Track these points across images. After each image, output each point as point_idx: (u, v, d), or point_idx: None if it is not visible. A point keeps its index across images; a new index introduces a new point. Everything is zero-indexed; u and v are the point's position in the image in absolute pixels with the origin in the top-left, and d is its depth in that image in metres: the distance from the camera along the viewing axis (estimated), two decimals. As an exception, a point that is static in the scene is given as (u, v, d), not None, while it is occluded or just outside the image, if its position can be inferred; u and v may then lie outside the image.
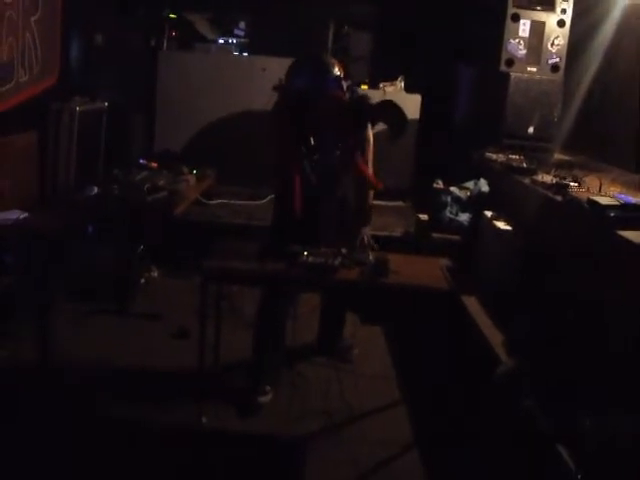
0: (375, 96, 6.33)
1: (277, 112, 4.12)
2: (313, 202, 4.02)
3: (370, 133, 4.25)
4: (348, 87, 4.07)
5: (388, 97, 5.73)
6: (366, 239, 4.16)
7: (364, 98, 4.10)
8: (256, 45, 7.52)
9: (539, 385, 3.27)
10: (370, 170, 4.25)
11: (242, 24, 8.08)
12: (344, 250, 3.79)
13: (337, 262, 3.63)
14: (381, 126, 4.14)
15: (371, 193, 4.27)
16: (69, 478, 3.23)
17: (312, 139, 3.98)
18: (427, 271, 3.88)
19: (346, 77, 4.10)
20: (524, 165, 5.02)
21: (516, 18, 5.76)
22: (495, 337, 3.82)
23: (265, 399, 4.00)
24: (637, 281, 3.04)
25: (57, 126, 5.00)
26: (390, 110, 4.01)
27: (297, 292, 4.40)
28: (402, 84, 7.02)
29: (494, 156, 5.50)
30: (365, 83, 7.09)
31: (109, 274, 5.01)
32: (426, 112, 6.87)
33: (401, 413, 4.06)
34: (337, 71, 4.03)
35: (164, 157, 6.25)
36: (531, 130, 5.75)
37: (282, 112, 4.08)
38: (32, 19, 4.67)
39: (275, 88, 4.30)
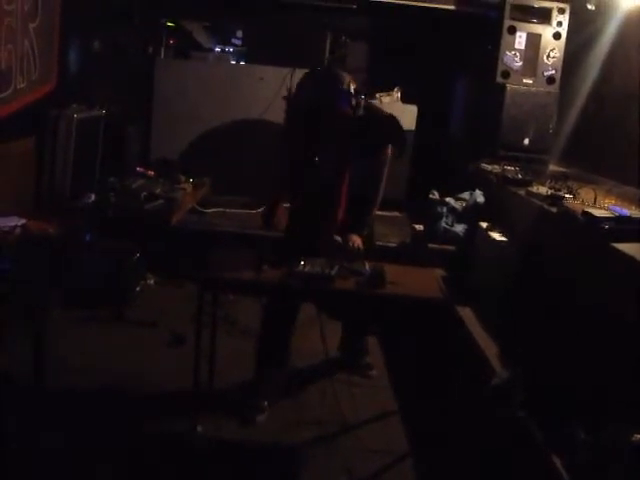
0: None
1: (288, 125, 4.14)
2: (315, 213, 4.06)
3: (387, 155, 4.21)
4: (358, 103, 3.96)
5: (384, 108, 5.79)
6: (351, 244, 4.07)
7: (376, 119, 4.07)
8: (253, 54, 7.55)
9: (533, 396, 3.29)
10: (376, 199, 4.28)
11: (239, 33, 8.12)
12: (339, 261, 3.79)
13: (334, 272, 3.64)
14: None
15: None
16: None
17: (318, 151, 3.98)
18: (422, 282, 3.88)
19: (357, 92, 3.97)
20: (519, 176, 5.05)
21: (512, 30, 5.81)
22: (490, 348, 3.84)
23: (262, 417, 3.96)
24: (631, 293, 3.06)
25: (54, 133, 5.00)
26: (396, 131, 4.03)
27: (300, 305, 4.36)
28: (398, 95, 7.05)
29: (489, 167, 5.53)
30: (362, 93, 7.13)
31: (105, 281, 5.01)
32: (422, 123, 6.90)
33: (396, 423, 4.06)
34: (346, 85, 3.92)
35: (161, 165, 6.25)
36: (526, 142, 5.79)
37: (293, 124, 4.08)
38: (31, 26, 4.68)
39: (284, 98, 4.30)
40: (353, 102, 3.95)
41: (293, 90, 4.19)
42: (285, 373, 4.26)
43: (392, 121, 4.09)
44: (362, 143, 4.05)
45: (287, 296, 3.99)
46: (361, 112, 3.98)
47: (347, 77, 3.99)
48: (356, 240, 4.08)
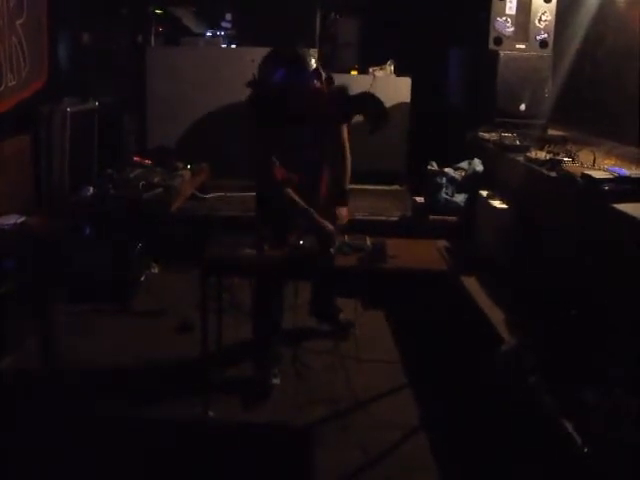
0: (365, 81, 6.39)
1: (250, 111, 4.10)
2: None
3: (346, 130, 4.24)
4: (326, 79, 4.03)
5: (378, 82, 5.76)
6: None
7: (344, 90, 4.05)
8: (244, 36, 7.50)
9: (542, 361, 3.29)
10: (348, 167, 4.25)
11: (228, 16, 8.05)
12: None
13: (334, 249, 3.64)
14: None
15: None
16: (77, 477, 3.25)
17: (293, 136, 3.96)
18: (425, 254, 3.89)
19: (323, 67, 4.07)
20: (517, 143, 5.02)
21: (502, -4, 5.75)
22: (496, 316, 3.83)
23: (277, 380, 4.04)
24: (633, 254, 3.05)
25: (49, 128, 5.00)
26: (369, 102, 3.97)
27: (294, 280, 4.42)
28: (392, 68, 7.01)
29: (487, 135, 5.51)
30: (355, 69, 7.08)
31: (109, 273, 5.01)
32: (418, 95, 6.86)
33: (406, 396, 4.07)
34: (314, 63, 3.99)
35: (158, 153, 6.23)
36: (523, 107, 5.75)
37: (255, 110, 4.06)
38: (18, 23, 4.66)
39: (249, 84, 4.20)
40: (322, 77, 4.02)
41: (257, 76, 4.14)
42: (279, 339, 4.31)
43: (366, 93, 4.07)
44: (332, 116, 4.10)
45: (288, 275, 4.02)
46: (333, 86, 4.07)
47: (310, 54, 4.09)
48: (345, 214, 4.16)
